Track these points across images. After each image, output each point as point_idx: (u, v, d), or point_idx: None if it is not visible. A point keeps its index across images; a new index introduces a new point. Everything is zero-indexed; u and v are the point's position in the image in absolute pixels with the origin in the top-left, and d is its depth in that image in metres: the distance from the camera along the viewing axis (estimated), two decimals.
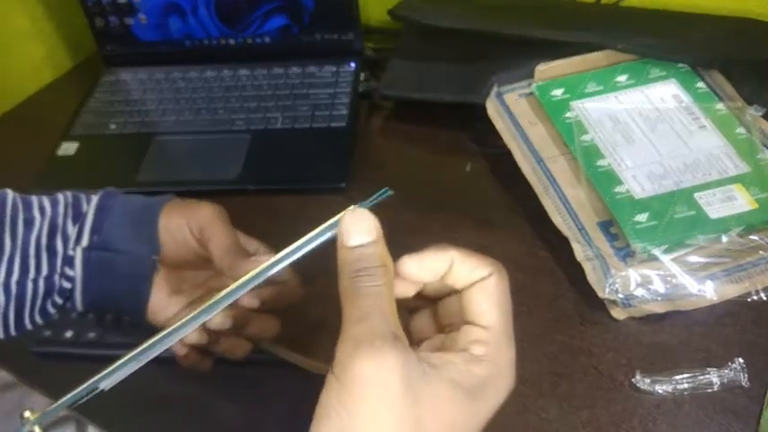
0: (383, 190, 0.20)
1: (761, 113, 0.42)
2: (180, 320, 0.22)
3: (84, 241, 0.28)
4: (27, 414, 0.23)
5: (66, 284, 0.28)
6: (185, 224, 0.29)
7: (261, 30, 0.59)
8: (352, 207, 0.19)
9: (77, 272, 0.28)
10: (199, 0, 0.58)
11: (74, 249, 0.28)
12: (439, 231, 0.43)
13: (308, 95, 0.55)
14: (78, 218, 0.29)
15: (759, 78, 0.44)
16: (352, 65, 0.57)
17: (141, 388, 0.41)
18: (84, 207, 0.29)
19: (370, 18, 0.61)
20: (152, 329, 0.45)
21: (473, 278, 0.19)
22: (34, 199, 0.29)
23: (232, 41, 0.60)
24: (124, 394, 0.41)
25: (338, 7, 0.57)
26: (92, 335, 0.44)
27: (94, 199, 0.30)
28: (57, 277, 0.28)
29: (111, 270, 0.28)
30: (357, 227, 0.18)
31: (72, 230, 0.28)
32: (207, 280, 0.32)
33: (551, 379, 0.34)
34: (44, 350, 0.44)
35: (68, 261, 0.28)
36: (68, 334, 0.44)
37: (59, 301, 0.29)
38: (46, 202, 0.29)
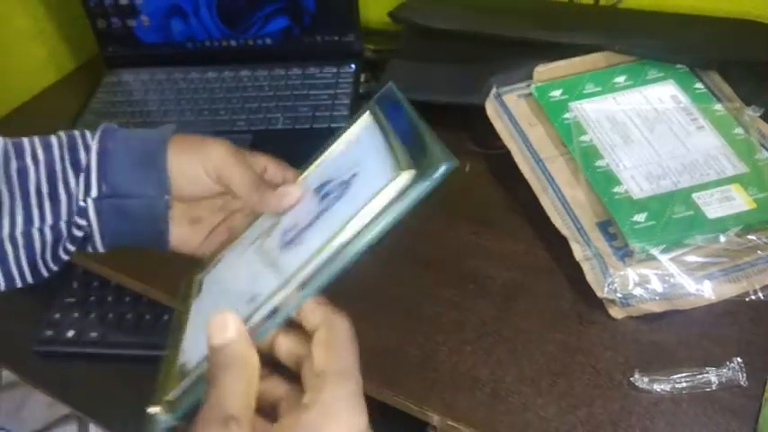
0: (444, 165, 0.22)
1: (759, 114, 0.42)
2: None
3: (94, 191, 0.27)
4: (154, 410, 0.23)
5: (78, 232, 0.28)
6: (200, 166, 0.28)
7: (262, 31, 0.59)
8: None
9: (93, 222, 0.28)
10: (200, 2, 0.58)
11: (84, 200, 0.27)
12: (438, 231, 0.43)
13: (308, 96, 0.55)
14: (77, 164, 0.28)
15: (757, 79, 0.45)
16: (353, 66, 0.58)
17: (142, 387, 0.42)
18: (82, 153, 0.28)
19: (371, 20, 0.61)
20: (153, 331, 0.45)
21: (315, 338, 0.22)
22: (26, 144, 0.29)
23: (233, 43, 0.60)
24: (125, 393, 0.41)
25: (339, 9, 0.57)
26: (93, 334, 0.45)
27: (94, 145, 0.28)
28: (63, 225, 0.27)
29: (125, 215, 0.28)
30: (217, 327, 0.21)
31: (74, 179, 0.28)
32: (225, 204, 0.31)
33: (550, 378, 0.35)
34: (46, 349, 0.44)
35: (80, 211, 0.27)
36: (70, 333, 0.45)
37: (71, 247, 0.28)
38: (38, 147, 0.28)
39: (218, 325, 0.21)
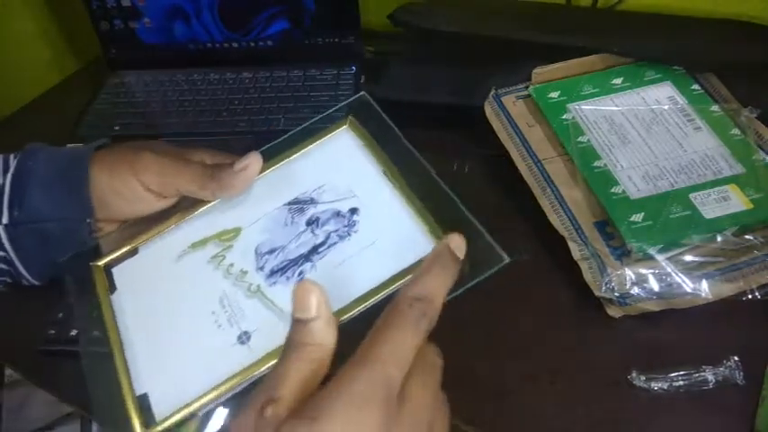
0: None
1: (756, 115, 0.42)
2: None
3: (4, 218, 0.25)
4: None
5: (2, 265, 0.26)
6: (136, 182, 0.26)
7: (263, 34, 0.60)
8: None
9: (9, 250, 0.26)
10: (203, 4, 0.59)
11: None
12: None
13: (309, 98, 0.56)
14: None
15: (754, 80, 0.45)
16: (353, 68, 0.58)
17: None
18: (0, 178, 0.26)
19: (371, 22, 0.62)
20: None
21: None
22: None
23: (235, 45, 0.61)
24: None
25: (339, 11, 0.57)
26: (96, 333, 0.45)
27: (11, 167, 0.26)
28: None
29: (45, 240, 0.26)
30: (303, 302, 0.19)
31: None
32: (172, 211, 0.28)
33: (548, 376, 0.35)
34: (49, 348, 0.45)
35: None
36: (73, 332, 0.45)
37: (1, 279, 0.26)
38: None
39: (301, 299, 0.19)
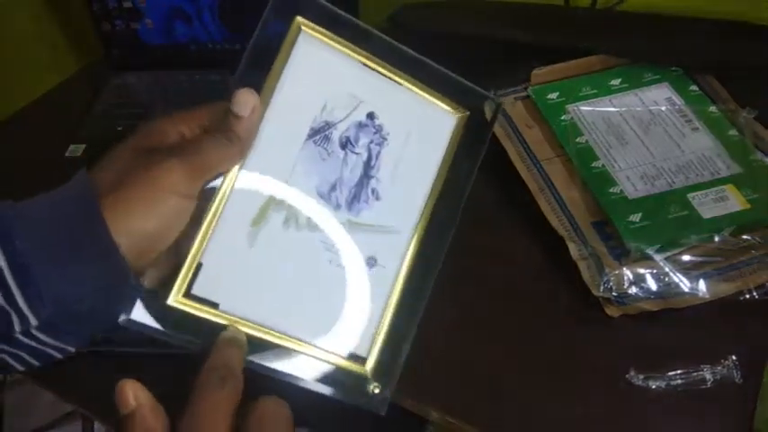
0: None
1: (753, 115, 0.43)
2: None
3: (32, 320, 0.19)
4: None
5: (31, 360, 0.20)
6: (173, 199, 0.21)
7: None
8: None
9: (51, 344, 0.20)
10: (203, 5, 0.59)
11: (25, 334, 0.19)
12: None
13: None
14: None
15: (752, 81, 0.45)
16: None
17: (146, 385, 0.42)
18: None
19: (371, 23, 0.62)
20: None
21: None
22: None
23: (236, 46, 0.61)
24: None
25: None
26: (98, 333, 0.45)
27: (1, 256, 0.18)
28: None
29: (84, 318, 0.20)
30: (122, 399, 0.19)
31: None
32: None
33: (547, 375, 0.35)
34: None
35: (18, 345, 0.19)
36: None
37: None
38: None
39: (119, 397, 0.19)
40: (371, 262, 0.25)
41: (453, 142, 0.26)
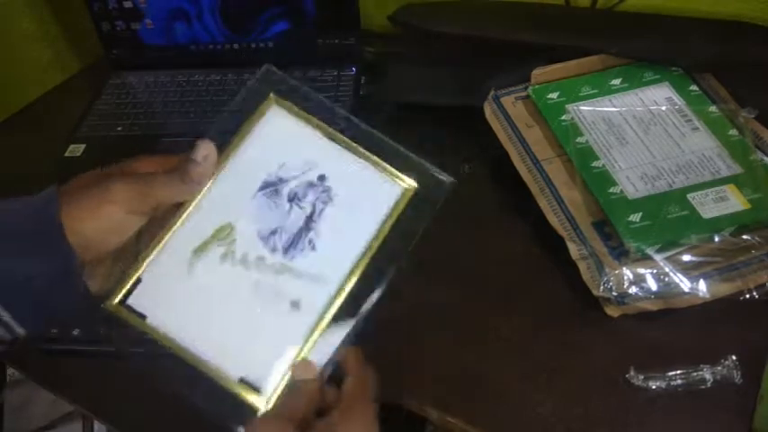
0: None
1: (753, 115, 0.43)
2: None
3: None
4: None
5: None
6: (115, 209, 0.25)
7: (264, 35, 0.60)
8: None
9: (2, 313, 0.24)
10: (204, 6, 0.59)
11: None
12: (436, 232, 0.44)
13: None
14: None
15: (752, 81, 0.45)
16: (353, 69, 0.59)
17: (146, 385, 0.42)
18: None
19: (371, 23, 0.62)
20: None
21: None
22: None
23: (236, 46, 0.61)
24: (128, 391, 0.42)
25: (339, 13, 0.58)
26: (99, 332, 0.45)
27: None
28: None
29: (36, 299, 0.25)
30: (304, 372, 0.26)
31: None
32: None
33: (547, 375, 0.35)
34: (52, 348, 0.45)
35: None
36: (75, 332, 0.45)
37: None
38: None
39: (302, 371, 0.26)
40: (296, 305, 0.27)
41: (397, 210, 0.28)
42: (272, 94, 0.29)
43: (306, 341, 0.26)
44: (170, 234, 0.28)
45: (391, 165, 0.28)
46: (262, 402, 0.26)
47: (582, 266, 0.37)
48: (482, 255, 0.42)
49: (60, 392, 0.43)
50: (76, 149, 0.54)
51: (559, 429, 0.33)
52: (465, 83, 0.49)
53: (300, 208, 0.28)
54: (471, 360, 0.36)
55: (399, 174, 0.28)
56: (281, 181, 0.28)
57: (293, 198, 0.28)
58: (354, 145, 0.29)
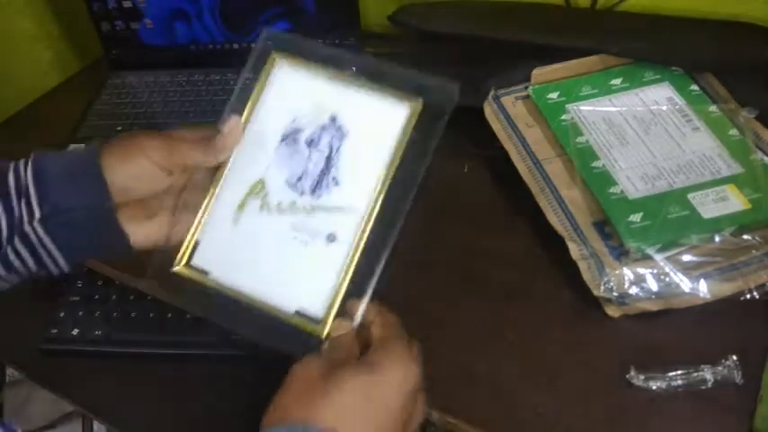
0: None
1: (754, 115, 0.43)
2: None
3: (37, 214, 0.28)
4: None
5: (14, 258, 0.28)
6: (147, 162, 0.29)
7: None
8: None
9: (47, 243, 0.29)
10: (203, 6, 0.59)
11: (30, 224, 0.28)
12: (436, 231, 0.44)
13: None
14: (18, 187, 0.28)
15: (752, 81, 0.45)
16: (353, 69, 0.58)
17: (146, 385, 0.42)
18: (15, 178, 0.29)
19: (371, 23, 0.62)
20: (158, 329, 0.46)
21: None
22: None
23: (236, 46, 0.61)
24: (127, 391, 0.42)
25: (339, 13, 0.58)
26: (98, 332, 0.45)
27: (28, 167, 0.29)
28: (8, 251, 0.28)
29: (73, 229, 0.29)
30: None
31: (17, 202, 0.28)
32: (168, 187, 0.32)
33: (547, 375, 0.35)
34: (51, 348, 0.45)
35: (23, 237, 0.28)
36: (75, 332, 0.45)
37: (13, 276, 0.29)
38: None
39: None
40: (331, 238, 0.29)
41: (407, 129, 0.30)
42: (273, 52, 0.32)
43: (347, 269, 0.29)
44: (213, 199, 0.31)
45: (395, 87, 0.30)
46: (319, 328, 0.29)
47: (582, 266, 0.37)
48: (482, 254, 0.42)
49: (60, 392, 0.43)
50: (77, 149, 0.54)
51: (559, 429, 0.33)
52: (465, 83, 0.49)
53: (319, 151, 0.30)
54: (471, 360, 0.36)
55: (403, 93, 0.30)
56: (297, 131, 0.31)
57: (311, 143, 0.31)
58: (357, 77, 0.30)
